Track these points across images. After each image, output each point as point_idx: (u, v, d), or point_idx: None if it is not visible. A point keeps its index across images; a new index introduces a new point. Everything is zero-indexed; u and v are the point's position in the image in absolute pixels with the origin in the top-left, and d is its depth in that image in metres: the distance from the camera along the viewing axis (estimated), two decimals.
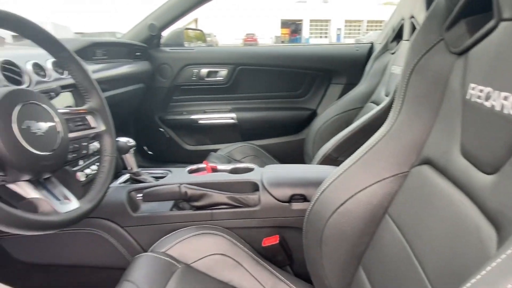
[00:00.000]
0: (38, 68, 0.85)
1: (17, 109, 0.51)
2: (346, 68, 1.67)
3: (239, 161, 1.42)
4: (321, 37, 32.57)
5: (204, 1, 1.39)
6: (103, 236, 0.84)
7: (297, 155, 1.65)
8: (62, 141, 0.57)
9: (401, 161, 0.60)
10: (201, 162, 1.03)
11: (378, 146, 0.62)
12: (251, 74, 1.65)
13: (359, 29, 31.86)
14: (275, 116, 1.69)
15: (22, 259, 0.89)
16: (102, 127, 0.70)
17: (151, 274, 0.68)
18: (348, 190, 0.63)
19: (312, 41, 30.91)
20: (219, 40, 25.85)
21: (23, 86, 0.77)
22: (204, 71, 1.62)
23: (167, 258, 0.73)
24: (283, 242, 0.85)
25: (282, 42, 30.23)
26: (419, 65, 0.58)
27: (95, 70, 1.17)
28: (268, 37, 30.28)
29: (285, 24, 32.53)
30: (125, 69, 1.37)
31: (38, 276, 0.91)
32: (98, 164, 0.69)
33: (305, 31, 32.40)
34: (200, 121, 1.68)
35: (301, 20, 32.42)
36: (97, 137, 0.71)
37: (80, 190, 0.72)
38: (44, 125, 0.54)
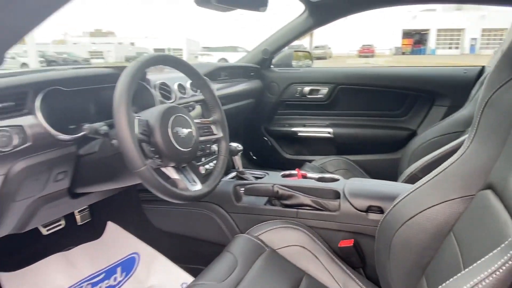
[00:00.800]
0: (181, 87, 1.18)
1: (171, 119, 0.78)
2: (452, 91, 1.63)
3: (331, 173, 1.55)
4: (450, 47, 29.36)
5: (309, 30, 1.59)
6: (213, 217, 1.10)
7: (390, 173, 1.68)
8: (195, 142, 0.83)
9: (468, 185, 0.66)
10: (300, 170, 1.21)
11: (450, 169, 0.69)
12: (351, 93, 1.77)
13: (500, 39, 27.60)
14: (372, 134, 1.76)
15: (158, 227, 1.22)
16: (221, 134, 0.95)
17: (245, 251, 0.89)
18: (418, 206, 0.71)
19: (439, 52, 28.10)
20: (333, 52, 25.77)
21: (172, 102, 1.09)
22: (307, 89, 1.81)
23: (258, 241, 0.93)
24: (357, 246, 0.96)
25: (403, 53, 28.34)
26: (492, 99, 0.65)
27: (219, 88, 1.48)
28: (387, 48, 28.80)
29: (407, 34, 30.42)
30: (241, 87, 1.67)
31: (165, 241, 1.23)
32: (215, 162, 0.94)
33: (432, 42, 29.68)
34: (300, 133, 1.87)
35: (427, 30, 29.84)
36: (216, 141, 0.96)
37: (201, 179, 0.98)
38: (185, 131, 0.81)
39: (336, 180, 1.09)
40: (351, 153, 1.75)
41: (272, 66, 1.91)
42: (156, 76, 1.11)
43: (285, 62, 1.94)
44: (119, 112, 0.68)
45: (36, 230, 1.08)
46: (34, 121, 0.75)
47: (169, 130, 0.76)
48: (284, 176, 1.16)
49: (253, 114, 1.89)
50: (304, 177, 1.16)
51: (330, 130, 1.82)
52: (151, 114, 0.76)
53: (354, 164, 1.63)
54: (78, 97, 0.87)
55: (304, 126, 1.88)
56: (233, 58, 2.00)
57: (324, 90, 1.79)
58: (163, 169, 0.77)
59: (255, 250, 0.90)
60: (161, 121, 0.75)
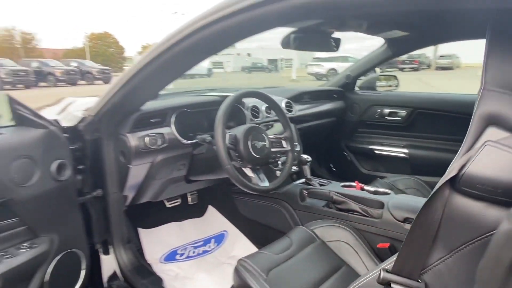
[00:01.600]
0: (268, 109, 1.54)
1: (251, 134, 1.14)
2: None
3: (401, 191, 1.68)
4: None
5: (387, 59, 1.77)
6: (282, 211, 1.42)
7: None
8: (267, 152, 1.17)
9: None
10: (370, 184, 1.43)
11: None
12: (428, 117, 1.86)
13: None
14: (446, 157, 1.81)
15: (242, 213, 1.60)
16: (289, 148, 1.27)
17: (300, 238, 1.18)
18: None
19: None
20: (462, 62, 22.94)
21: (259, 120, 1.46)
22: (386, 111, 1.97)
23: (312, 233, 1.20)
24: (392, 249, 1.15)
25: None
26: None
27: (302, 109, 1.80)
28: None
29: None
30: (324, 107, 1.95)
31: (246, 225, 1.60)
32: (281, 168, 1.27)
33: None
34: (376, 151, 2.03)
35: None
36: (285, 153, 1.28)
37: (269, 179, 1.30)
38: (260, 143, 1.15)
39: (387, 193, 1.29)
40: (424, 174, 1.84)
41: (356, 89, 2.13)
42: (249, 100, 1.50)
43: (370, 85, 2.13)
44: (217, 129, 1.06)
45: (162, 202, 1.58)
46: (170, 131, 1.21)
47: (249, 143, 1.12)
48: (343, 186, 1.40)
49: (335, 131, 2.13)
50: (362, 189, 1.38)
51: (406, 150, 1.93)
52: (238, 131, 1.13)
53: (425, 184, 1.72)
54: (196, 116, 1.31)
55: (381, 145, 2.03)
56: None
57: (402, 113, 1.92)
58: (243, 169, 1.13)
59: (308, 239, 1.18)
60: (243, 136, 1.11)
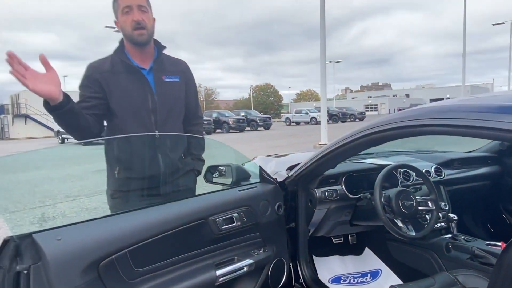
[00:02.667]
0: (416, 175, 1.91)
1: (402, 195, 1.57)
2: None
3: None
4: None
5: None
6: (428, 257, 1.74)
7: None
8: (415, 209, 1.57)
9: None
10: None
11: None
12: None
13: None
14: None
15: (393, 256, 1.97)
16: (433, 207, 1.62)
17: (445, 282, 1.50)
18: None
19: None
20: None
21: (409, 182, 1.86)
22: None
23: (454, 279, 1.50)
24: None
25: None
26: None
27: (451, 173, 2.07)
28: None
29: None
30: (476, 172, 2.16)
31: (395, 267, 1.95)
32: (428, 223, 1.63)
33: None
34: None
35: None
36: (430, 211, 1.64)
37: (415, 230, 1.66)
38: (408, 202, 1.57)
39: None
40: None
41: None
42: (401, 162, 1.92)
43: None
44: (375, 191, 1.55)
45: (331, 239, 2.12)
46: (341, 188, 1.77)
47: (399, 202, 1.56)
48: (488, 244, 1.62)
49: (491, 193, 2.25)
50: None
51: None
52: (391, 192, 1.59)
53: None
54: (359, 178, 1.83)
55: None
56: None
57: None
58: (395, 220, 1.57)
59: (450, 283, 1.48)
60: (395, 196, 1.56)
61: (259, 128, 26.70)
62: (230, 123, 24.81)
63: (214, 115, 26.13)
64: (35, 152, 1.67)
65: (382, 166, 1.76)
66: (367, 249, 2.15)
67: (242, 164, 1.77)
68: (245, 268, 1.37)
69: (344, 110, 36.79)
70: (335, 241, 2.13)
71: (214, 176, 1.73)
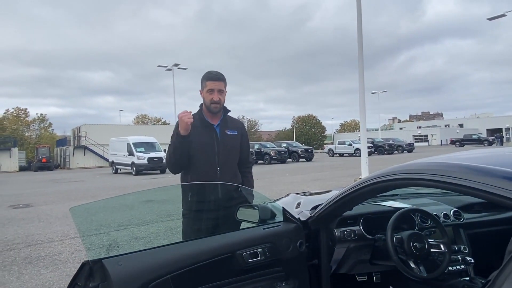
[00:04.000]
0: (435, 217, 2.01)
1: (413, 238, 1.69)
2: None
3: None
4: None
5: None
6: None
7: None
8: (426, 251, 1.68)
9: None
10: None
11: None
12: None
13: None
14: None
15: None
16: (445, 250, 1.72)
17: None
18: None
19: None
20: None
21: (426, 225, 1.96)
22: None
23: None
24: None
25: None
26: None
27: (471, 217, 2.13)
28: None
29: None
30: (498, 216, 2.18)
31: None
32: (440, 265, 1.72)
33: None
34: None
35: None
36: (442, 254, 1.73)
37: (427, 271, 1.75)
38: (420, 245, 1.68)
39: None
40: None
41: None
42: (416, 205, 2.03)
43: None
44: (387, 233, 1.70)
45: (354, 276, 2.23)
46: (359, 228, 1.93)
47: (411, 244, 1.68)
48: None
49: None
50: None
51: None
52: (404, 234, 1.72)
53: None
54: (376, 219, 1.98)
55: None
56: None
57: None
58: (408, 261, 1.69)
59: None
60: (407, 239, 1.69)
61: (300, 160, 26.70)
62: (272, 154, 25.13)
63: (256, 146, 26.65)
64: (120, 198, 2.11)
65: (398, 209, 1.90)
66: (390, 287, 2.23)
67: (268, 203, 2.01)
68: None
69: (391, 141, 35.62)
70: (359, 279, 2.24)
71: (243, 214, 1.99)
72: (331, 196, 1.85)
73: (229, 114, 2.33)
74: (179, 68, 27.22)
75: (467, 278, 1.85)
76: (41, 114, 53.45)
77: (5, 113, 50.71)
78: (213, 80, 2.19)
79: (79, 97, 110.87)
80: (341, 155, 33.20)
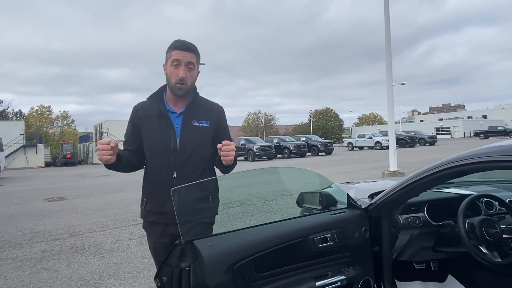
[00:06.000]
0: (499, 204, 1.97)
1: (486, 223, 1.67)
2: None
3: None
4: None
5: None
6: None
7: None
8: (499, 237, 1.66)
9: None
10: None
11: None
12: None
13: None
14: None
15: (480, 286, 2.02)
16: None
17: None
18: None
19: None
20: None
21: (492, 212, 1.93)
22: None
23: None
24: None
25: None
26: None
27: None
28: None
29: None
30: None
31: None
32: None
33: None
34: None
35: None
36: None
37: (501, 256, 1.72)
38: (493, 230, 1.66)
39: None
40: None
41: None
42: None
43: None
44: (459, 219, 1.68)
45: (413, 264, 2.23)
46: (423, 215, 1.91)
47: (483, 229, 1.66)
48: None
49: None
50: None
51: None
52: (475, 220, 1.70)
53: None
54: (441, 206, 1.96)
55: None
56: None
57: None
58: (480, 247, 1.67)
59: None
60: (478, 224, 1.67)
61: (320, 154, 26.53)
62: (291, 148, 25.05)
63: (275, 140, 26.63)
64: None
65: (463, 195, 1.88)
66: (450, 277, 2.21)
67: (325, 189, 2.02)
68: (338, 283, 1.60)
69: (413, 133, 34.87)
70: (417, 266, 2.23)
71: (305, 200, 2.01)
72: (390, 184, 1.84)
73: (205, 98, 1.80)
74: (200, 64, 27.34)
75: None
76: (64, 111, 55.12)
77: (30, 111, 52.50)
78: (181, 49, 1.60)
79: (97, 94, 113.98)
80: (361, 148, 32.80)
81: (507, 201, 1.97)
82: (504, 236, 1.69)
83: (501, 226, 1.71)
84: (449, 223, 1.83)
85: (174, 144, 1.63)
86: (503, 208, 1.94)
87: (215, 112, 1.77)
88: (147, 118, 1.69)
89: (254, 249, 1.40)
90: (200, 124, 1.69)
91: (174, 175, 1.62)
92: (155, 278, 1.36)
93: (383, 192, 1.88)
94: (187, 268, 1.28)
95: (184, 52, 1.60)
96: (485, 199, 1.97)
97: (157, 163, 1.66)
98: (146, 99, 1.75)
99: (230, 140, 1.71)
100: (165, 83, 1.71)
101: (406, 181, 1.74)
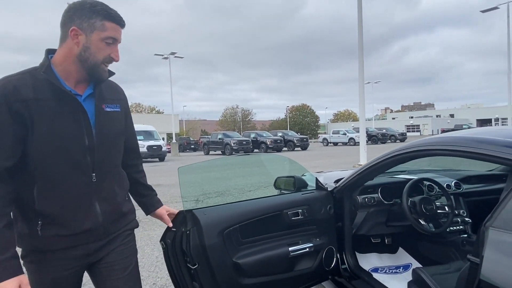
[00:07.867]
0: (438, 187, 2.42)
1: (424, 201, 2.10)
2: None
3: None
4: None
5: None
6: (449, 253, 2.23)
7: None
8: (434, 212, 2.09)
9: None
10: None
11: None
12: None
13: None
14: None
15: (422, 253, 2.47)
16: (449, 211, 2.13)
17: (457, 264, 1.99)
18: None
19: None
20: None
21: (432, 193, 2.37)
22: None
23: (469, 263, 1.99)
24: None
25: None
26: None
27: (469, 187, 2.55)
28: None
29: None
30: (492, 187, 2.60)
31: (423, 261, 2.44)
32: (444, 222, 2.13)
33: None
34: None
35: None
36: (446, 215, 2.14)
37: (435, 226, 2.16)
38: (429, 207, 2.08)
39: None
40: None
41: None
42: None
43: None
44: (403, 198, 2.10)
45: (370, 239, 2.64)
46: (377, 195, 2.32)
47: (422, 206, 2.08)
48: None
49: None
50: None
51: None
52: (416, 199, 2.12)
53: None
54: (392, 188, 2.37)
55: None
56: None
57: None
58: (419, 220, 2.09)
59: (460, 267, 1.98)
60: (418, 202, 2.08)
61: (296, 149, 27.19)
62: (268, 143, 25.55)
63: (252, 135, 27.05)
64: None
65: (409, 180, 2.31)
66: (400, 249, 2.65)
67: (301, 176, 2.39)
68: (307, 249, 1.97)
69: (384, 130, 36.22)
70: (373, 241, 2.66)
71: (281, 183, 2.37)
72: (350, 171, 2.23)
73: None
74: (175, 56, 27.26)
75: (465, 235, 2.27)
76: None
77: None
78: (120, 24, 1.22)
79: None
80: (335, 144, 33.80)
81: (444, 185, 2.41)
82: (438, 211, 2.12)
83: (436, 203, 2.14)
84: (397, 202, 2.25)
85: (90, 139, 1.21)
86: (440, 190, 2.38)
87: (121, 93, 1.38)
88: (38, 102, 1.12)
89: (240, 218, 1.75)
90: (112, 109, 1.29)
91: (94, 178, 1.22)
92: (160, 241, 1.67)
93: (345, 177, 2.27)
94: (188, 232, 1.61)
95: (121, 29, 1.23)
96: (428, 183, 2.41)
97: (65, 167, 1.17)
98: (23, 73, 1.16)
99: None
100: (49, 47, 1.23)
101: (363, 167, 2.13)
